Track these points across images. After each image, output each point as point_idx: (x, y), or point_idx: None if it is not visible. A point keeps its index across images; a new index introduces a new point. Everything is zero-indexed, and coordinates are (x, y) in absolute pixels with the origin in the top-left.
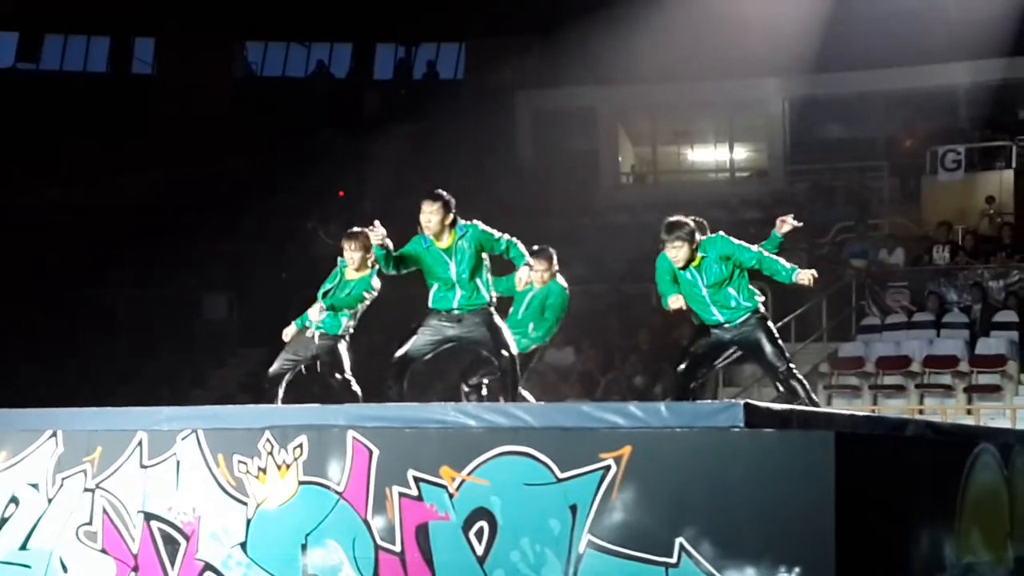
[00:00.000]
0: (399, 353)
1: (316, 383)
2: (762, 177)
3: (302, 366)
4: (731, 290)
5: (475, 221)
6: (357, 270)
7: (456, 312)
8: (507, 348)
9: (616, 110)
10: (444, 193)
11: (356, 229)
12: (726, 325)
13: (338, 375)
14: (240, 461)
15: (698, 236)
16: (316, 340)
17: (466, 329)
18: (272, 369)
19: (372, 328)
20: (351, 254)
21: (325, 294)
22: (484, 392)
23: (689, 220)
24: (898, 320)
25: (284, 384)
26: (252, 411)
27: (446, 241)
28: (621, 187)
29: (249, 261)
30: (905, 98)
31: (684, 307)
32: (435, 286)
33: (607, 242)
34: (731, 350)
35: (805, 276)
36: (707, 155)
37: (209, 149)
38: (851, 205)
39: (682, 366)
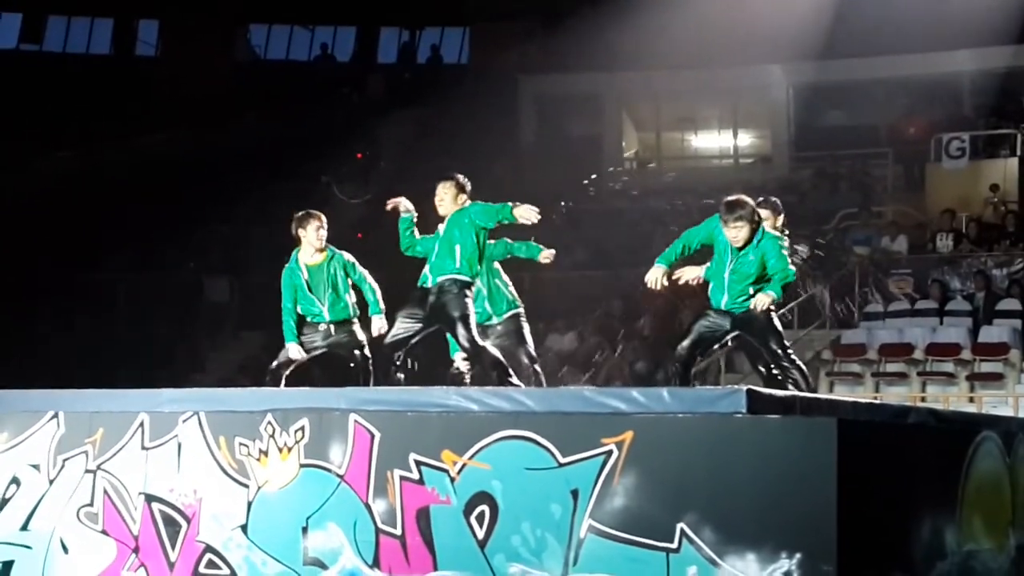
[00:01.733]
0: (385, 347)
1: (317, 365)
2: (766, 164)
3: (315, 354)
4: (751, 289)
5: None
6: (320, 251)
7: (430, 287)
8: (467, 330)
9: (620, 96)
10: (459, 176)
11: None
12: (730, 310)
13: (357, 352)
14: (242, 443)
15: (756, 217)
16: (332, 331)
17: (434, 308)
18: (275, 363)
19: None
20: (313, 233)
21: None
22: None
23: (749, 199)
24: (901, 307)
25: (289, 369)
26: (254, 394)
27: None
28: (624, 172)
29: (250, 243)
30: (910, 85)
31: (696, 280)
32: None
33: (610, 226)
34: (732, 334)
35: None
36: (711, 141)
37: (211, 133)
38: (855, 192)
39: (682, 345)
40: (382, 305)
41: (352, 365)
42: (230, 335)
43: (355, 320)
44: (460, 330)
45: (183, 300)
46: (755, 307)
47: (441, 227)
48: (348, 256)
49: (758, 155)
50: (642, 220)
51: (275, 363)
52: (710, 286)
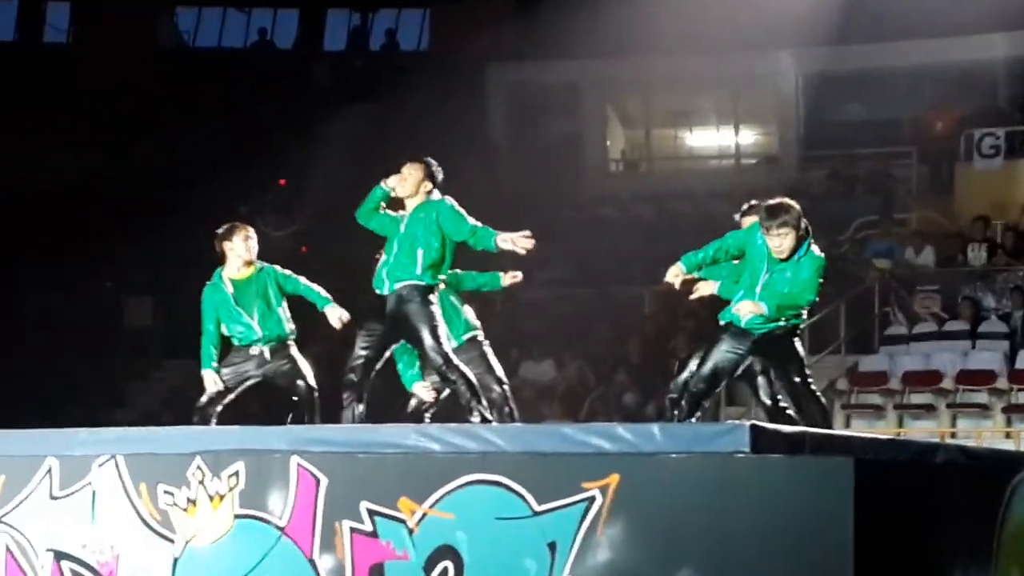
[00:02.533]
0: (351, 368)
1: (255, 400)
2: (772, 164)
3: (248, 384)
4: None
5: (447, 199)
6: (248, 264)
7: (386, 294)
8: (436, 340)
9: (603, 87)
10: (431, 162)
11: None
12: (750, 330)
13: (301, 382)
14: (166, 491)
15: (804, 225)
16: (267, 356)
17: (395, 317)
18: (205, 398)
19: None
20: (241, 244)
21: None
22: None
23: (795, 204)
24: (927, 329)
25: (221, 405)
26: (180, 433)
27: (411, 206)
28: (609, 175)
29: (177, 259)
30: (937, 74)
31: (705, 295)
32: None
33: (593, 238)
34: (747, 361)
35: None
36: (708, 139)
37: (132, 131)
38: (874, 197)
39: (699, 375)
40: (330, 297)
41: (295, 398)
42: (153, 364)
43: (292, 343)
44: (428, 341)
45: (98, 324)
46: (738, 311)
47: (403, 217)
48: (279, 268)
49: (763, 155)
50: (629, 230)
51: (204, 398)
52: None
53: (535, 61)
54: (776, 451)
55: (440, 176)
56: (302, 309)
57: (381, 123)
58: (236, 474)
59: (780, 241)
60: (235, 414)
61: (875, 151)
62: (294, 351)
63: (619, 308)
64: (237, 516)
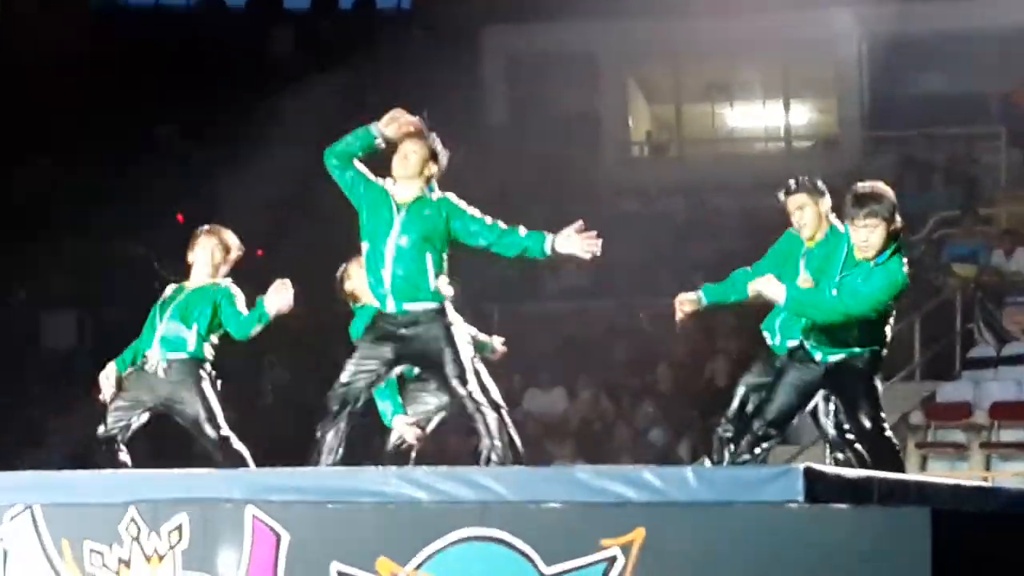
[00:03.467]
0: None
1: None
2: (830, 148)
3: (146, 415)
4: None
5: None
6: (212, 276)
7: (394, 315)
8: (461, 369)
9: (625, 55)
10: (437, 139)
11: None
12: (816, 360)
13: (209, 429)
14: (93, 550)
15: (898, 219)
16: (163, 375)
17: (410, 341)
18: (101, 430)
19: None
20: (205, 253)
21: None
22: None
23: (886, 191)
24: (1020, 350)
25: (122, 447)
26: (111, 479)
27: (408, 195)
28: (632, 162)
29: (107, 266)
30: None
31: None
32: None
33: (613, 239)
34: (817, 397)
35: None
36: (752, 117)
37: (57, 110)
38: (954, 187)
39: (767, 412)
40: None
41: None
42: (79, 394)
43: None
44: (452, 371)
45: (11, 345)
46: (753, 289)
47: (395, 199)
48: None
49: (819, 136)
50: (657, 228)
51: (99, 431)
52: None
53: (541, 23)
54: (837, 500)
55: (444, 160)
56: (258, 335)
57: (353, 98)
58: (179, 528)
59: (867, 236)
60: (178, 455)
61: (956, 132)
62: (204, 383)
63: (644, 325)
64: None
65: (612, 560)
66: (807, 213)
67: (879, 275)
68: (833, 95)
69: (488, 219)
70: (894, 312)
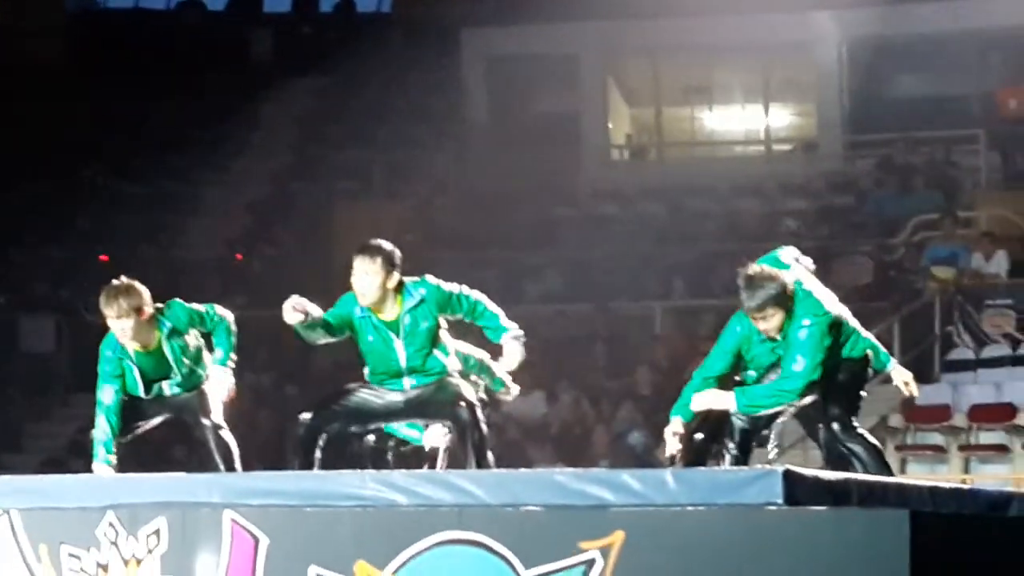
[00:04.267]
0: (310, 419)
1: (179, 441)
2: (810, 151)
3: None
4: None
5: (427, 277)
6: (144, 346)
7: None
8: (463, 399)
9: (604, 56)
10: (384, 245)
11: (116, 284)
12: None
13: (204, 420)
14: (71, 554)
15: (790, 287)
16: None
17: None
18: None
19: (258, 365)
20: (121, 324)
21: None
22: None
23: (774, 273)
24: (999, 353)
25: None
26: (89, 483)
27: (391, 312)
28: (612, 164)
29: (86, 270)
30: (1011, 42)
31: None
32: (375, 367)
33: (592, 242)
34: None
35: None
36: (732, 120)
37: (33, 114)
38: (934, 191)
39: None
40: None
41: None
42: (57, 400)
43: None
44: (464, 415)
45: None
46: (701, 405)
47: (382, 319)
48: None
49: (799, 139)
50: (636, 232)
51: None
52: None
53: (520, 25)
54: (816, 502)
55: (398, 258)
56: (238, 336)
57: (332, 102)
58: (157, 533)
59: (764, 325)
60: (155, 459)
61: (936, 135)
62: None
63: (624, 328)
64: None
65: (591, 563)
66: (773, 320)
67: (795, 346)
68: (813, 98)
69: (454, 288)
70: (839, 339)
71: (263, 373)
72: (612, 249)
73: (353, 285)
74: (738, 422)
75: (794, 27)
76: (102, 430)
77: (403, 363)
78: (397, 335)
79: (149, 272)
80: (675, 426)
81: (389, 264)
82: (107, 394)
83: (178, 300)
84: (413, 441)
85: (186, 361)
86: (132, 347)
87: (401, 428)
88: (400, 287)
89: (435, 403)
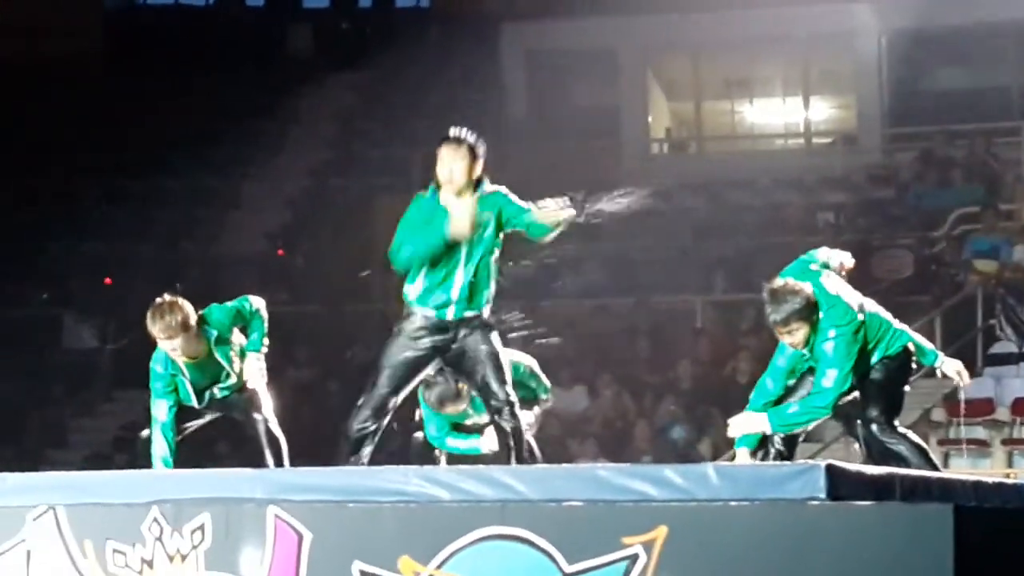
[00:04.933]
0: (373, 390)
1: (223, 438)
2: (850, 145)
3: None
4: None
5: (503, 188)
6: (195, 357)
7: (452, 320)
8: (505, 383)
9: (644, 50)
10: (467, 134)
11: (160, 303)
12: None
13: (256, 415)
14: (116, 550)
15: (813, 299)
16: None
17: (458, 345)
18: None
19: (299, 361)
20: (171, 344)
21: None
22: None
23: (798, 286)
24: None
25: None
26: (134, 479)
27: (460, 204)
28: (652, 158)
29: (128, 267)
30: None
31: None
32: (423, 273)
33: (632, 236)
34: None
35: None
36: (772, 114)
37: (73, 112)
38: (975, 184)
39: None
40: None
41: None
42: (101, 396)
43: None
44: (489, 373)
45: (33, 347)
46: (737, 431)
47: (451, 206)
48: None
49: (838, 132)
50: (676, 226)
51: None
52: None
53: (560, 19)
54: (859, 497)
55: (483, 152)
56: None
57: (372, 97)
58: (201, 528)
59: (790, 340)
60: (198, 455)
61: (977, 127)
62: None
63: (665, 322)
64: None
65: (634, 558)
66: (799, 335)
67: (823, 360)
68: (853, 91)
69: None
70: (869, 341)
71: (304, 369)
72: (652, 243)
73: (440, 174)
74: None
75: (834, 20)
76: (160, 447)
77: (462, 260)
78: (461, 225)
79: (189, 268)
80: (743, 458)
81: (472, 153)
82: (162, 410)
83: (215, 305)
84: (472, 452)
85: (236, 362)
86: (183, 360)
87: (457, 443)
88: (479, 183)
89: (476, 359)
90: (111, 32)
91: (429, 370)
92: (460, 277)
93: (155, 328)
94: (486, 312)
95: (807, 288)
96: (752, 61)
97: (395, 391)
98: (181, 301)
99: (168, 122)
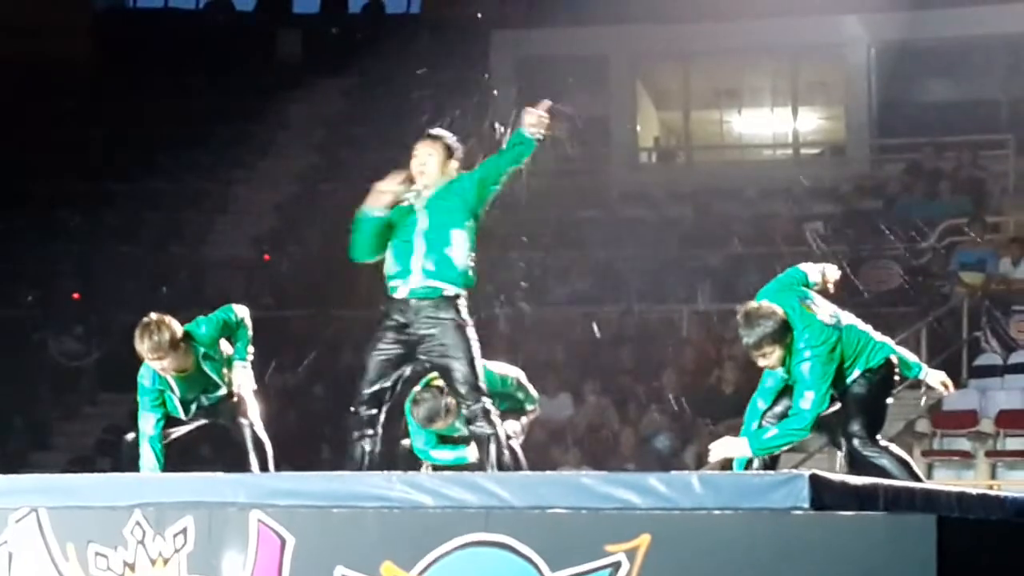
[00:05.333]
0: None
1: (206, 441)
2: (838, 155)
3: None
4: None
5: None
6: (183, 370)
7: (410, 301)
8: (478, 387)
9: (633, 59)
10: (445, 133)
11: (147, 322)
12: None
13: (242, 419)
14: (99, 553)
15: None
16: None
17: (421, 328)
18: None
19: (285, 365)
20: (160, 364)
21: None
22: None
23: (770, 309)
24: None
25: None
26: (117, 482)
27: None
28: (640, 167)
29: (114, 266)
30: None
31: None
32: (389, 259)
33: (620, 244)
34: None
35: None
36: (760, 124)
37: (60, 112)
38: (962, 195)
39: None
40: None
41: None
42: (85, 398)
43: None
44: (457, 367)
45: (17, 349)
46: (717, 455)
47: (416, 202)
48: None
49: (827, 143)
50: (664, 235)
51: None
52: None
53: (549, 27)
54: (843, 507)
55: (460, 153)
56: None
57: (361, 103)
58: (184, 532)
59: (764, 362)
60: (182, 459)
61: (965, 139)
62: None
63: (651, 331)
64: None
65: (617, 566)
66: (772, 357)
67: (800, 382)
68: (841, 102)
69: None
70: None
71: (290, 373)
72: (639, 251)
73: (413, 169)
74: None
75: (823, 31)
76: (148, 460)
77: (416, 238)
78: (420, 210)
79: (176, 270)
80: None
81: (447, 151)
82: (149, 424)
83: (201, 318)
84: (459, 462)
85: (225, 372)
86: (171, 375)
87: (443, 454)
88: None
89: (435, 348)
90: (101, 34)
91: (398, 349)
92: (418, 255)
93: (143, 347)
94: (450, 291)
95: (779, 311)
96: (741, 71)
97: (377, 379)
98: (168, 319)
99: (157, 125)
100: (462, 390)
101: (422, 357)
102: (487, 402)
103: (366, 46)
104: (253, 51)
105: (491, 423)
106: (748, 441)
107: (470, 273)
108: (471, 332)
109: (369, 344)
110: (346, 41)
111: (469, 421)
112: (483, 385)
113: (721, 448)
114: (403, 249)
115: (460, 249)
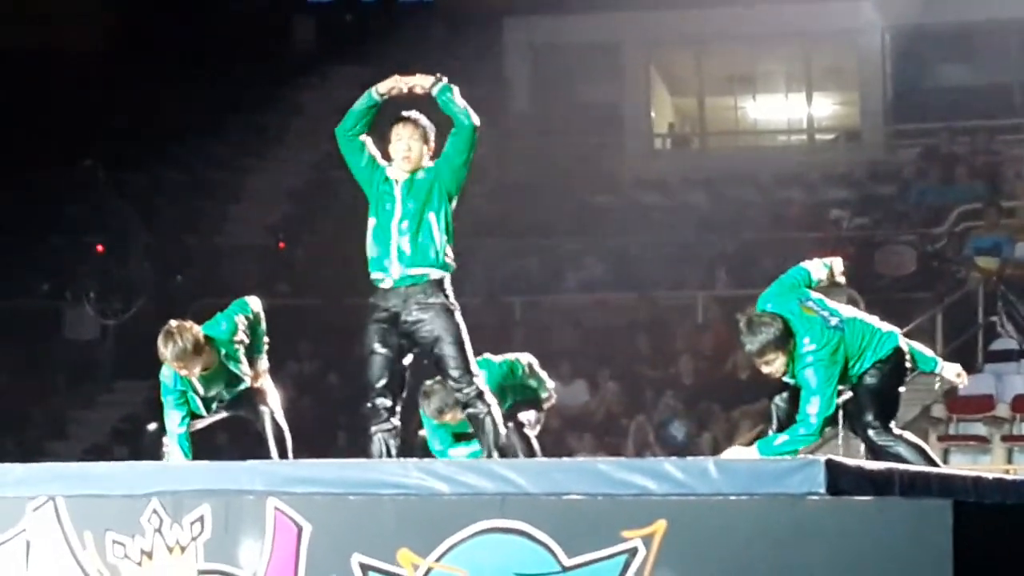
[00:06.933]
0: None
1: (223, 429)
2: (853, 141)
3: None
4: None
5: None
6: (207, 368)
7: (399, 289)
8: (469, 370)
9: (647, 45)
10: (421, 116)
11: (169, 329)
12: None
13: (262, 407)
14: (116, 541)
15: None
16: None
17: (412, 314)
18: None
19: (300, 354)
20: (185, 370)
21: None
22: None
23: (771, 316)
24: None
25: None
26: (133, 471)
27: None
28: (654, 154)
29: (129, 255)
30: None
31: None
32: (372, 244)
33: (634, 231)
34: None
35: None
36: (775, 110)
37: (71, 101)
38: (978, 180)
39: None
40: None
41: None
42: (102, 387)
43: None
44: (448, 351)
45: (34, 338)
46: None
47: (395, 175)
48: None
49: (842, 129)
50: (679, 221)
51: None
52: None
53: (563, 14)
54: (858, 492)
55: (432, 135)
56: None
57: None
58: (200, 520)
59: (769, 370)
60: (199, 447)
61: (980, 124)
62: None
63: (667, 317)
64: (201, 572)
65: (633, 552)
66: (776, 364)
67: (805, 388)
68: (856, 87)
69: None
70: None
71: (305, 361)
72: (654, 238)
73: (392, 153)
74: (781, 409)
75: (837, 16)
76: (178, 458)
77: (395, 219)
78: (405, 191)
79: (191, 259)
80: (735, 452)
81: (424, 137)
82: (175, 421)
83: (219, 315)
84: (476, 456)
85: (244, 366)
86: (195, 375)
87: (459, 451)
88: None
89: (424, 337)
90: (113, 23)
91: (396, 340)
92: (399, 240)
93: (167, 354)
94: (435, 275)
95: (779, 317)
96: (755, 57)
97: (383, 375)
98: (188, 324)
99: (170, 114)
100: (454, 374)
101: (413, 347)
102: (480, 383)
103: (380, 34)
104: (267, 39)
105: (485, 403)
106: (759, 448)
107: (449, 258)
108: (459, 316)
109: (364, 341)
110: (360, 29)
111: (465, 405)
112: (474, 368)
113: (731, 456)
114: (383, 236)
115: (439, 234)
